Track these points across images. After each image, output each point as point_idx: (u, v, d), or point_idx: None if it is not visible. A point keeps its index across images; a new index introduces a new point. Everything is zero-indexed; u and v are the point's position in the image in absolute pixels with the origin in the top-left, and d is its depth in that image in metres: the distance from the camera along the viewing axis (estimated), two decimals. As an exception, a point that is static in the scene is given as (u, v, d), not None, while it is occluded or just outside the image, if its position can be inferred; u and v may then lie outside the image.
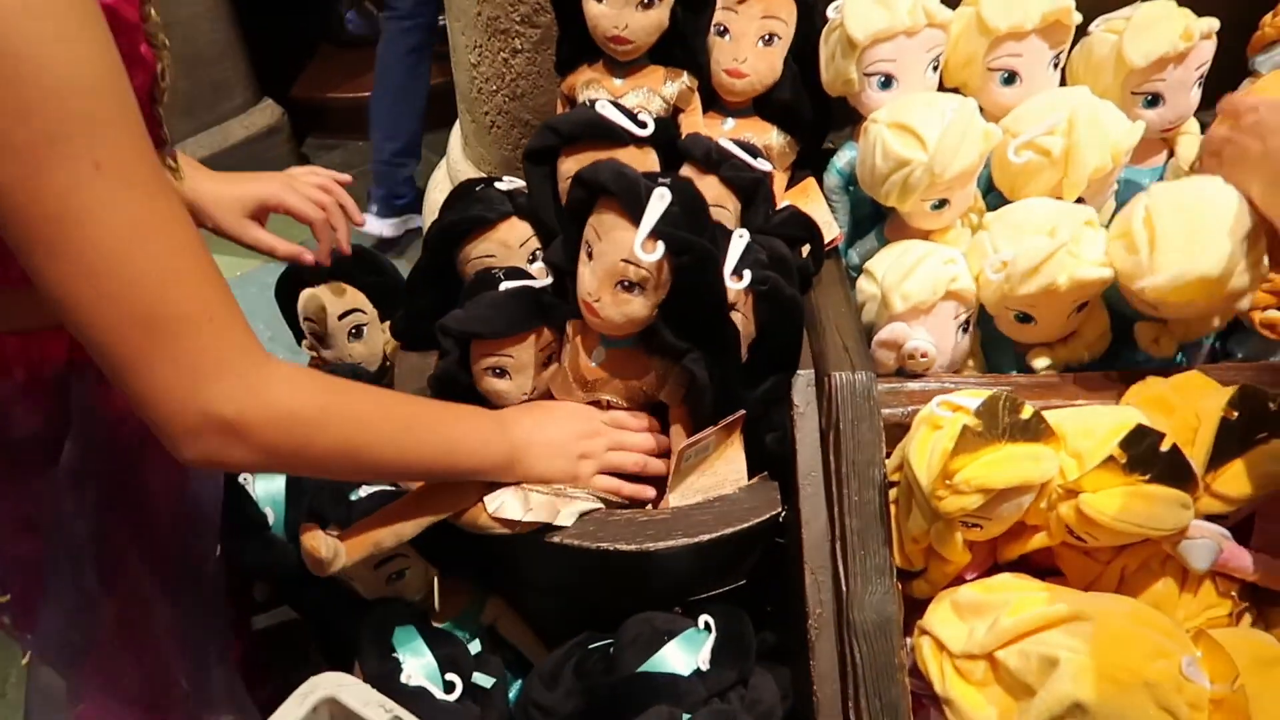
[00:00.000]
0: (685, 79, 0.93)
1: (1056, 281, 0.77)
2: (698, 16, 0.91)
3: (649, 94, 0.92)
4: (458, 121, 1.22)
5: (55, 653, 0.80)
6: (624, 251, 0.68)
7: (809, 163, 0.99)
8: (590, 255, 0.72)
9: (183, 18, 2.04)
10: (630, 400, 0.80)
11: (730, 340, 0.74)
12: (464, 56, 1.06)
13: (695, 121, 0.94)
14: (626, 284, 0.70)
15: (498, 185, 0.90)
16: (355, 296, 1.03)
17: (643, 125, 0.84)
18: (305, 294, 1.03)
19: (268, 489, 0.90)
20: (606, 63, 0.93)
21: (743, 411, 0.78)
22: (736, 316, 0.76)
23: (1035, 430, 0.72)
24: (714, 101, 0.96)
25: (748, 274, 0.73)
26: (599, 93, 0.93)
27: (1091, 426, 0.74)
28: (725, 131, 0.96)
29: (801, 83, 0.95)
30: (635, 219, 0.67)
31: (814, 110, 0.97)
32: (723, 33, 0.93)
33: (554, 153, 0.86)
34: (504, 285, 0.83)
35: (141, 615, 0.82)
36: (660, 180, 0.69)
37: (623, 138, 0.83)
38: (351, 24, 2.68)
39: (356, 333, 1.04)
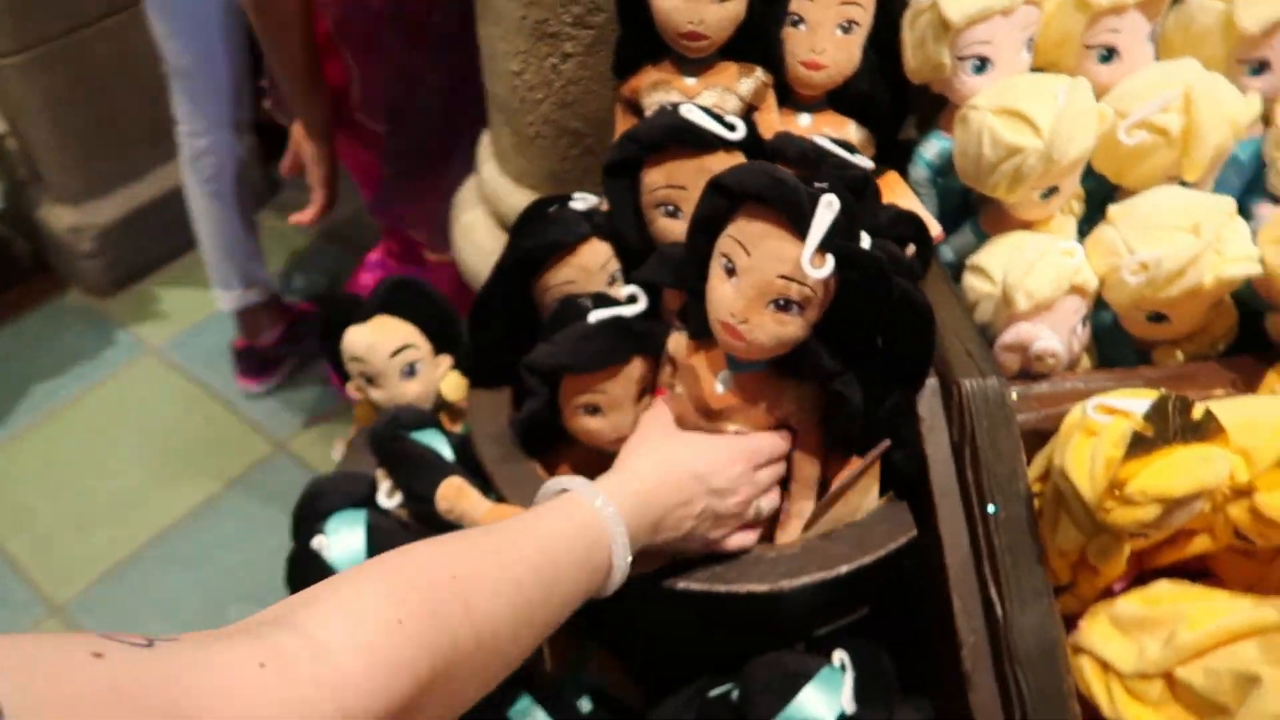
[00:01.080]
0: (760, 74, 0.86)
1: (1203, 282, 0.72)
2: (773, 6, 0.84)
3: (724, 93, 0.86)
4: (486, 135, 1.14)
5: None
6: (783, 266, 0.61)
7: (887, 156, 0.93)
8: (732, 271, 0.64)
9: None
10: (756, 429, 0.72)
11: (883, 360, 0.68)
12: (504, 65, 0.98)
13: (772, 119, 0.88)
14: (783, 303, 0.62)
15: (573, 204, 0.82)
16: (406, 331, 0.95)
17: (731, 128, 0.77)
18: (351, 331, 0.95)
19: (345, 552, 0.81)
20: (674, 61, 0.86)
21: (887, 441, 0.72)
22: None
23: (1207, 430, 0.66)
24: (786, 97, 0.90)
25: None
26: (670, 94, 0.86)
27: (1255, 420, 0.69)
28: (802, 128, 0.89)
29: (880, 71, 0.89)
30: (797, 230, 0.60)
31: (892, 100, 0.91)
32: (797, 22, 0.86)
33: (636, 164, 0.79)
34: (593, 315, 0.76)
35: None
36: (818, 185, 0.62)
37: (712, 142, 0.77)
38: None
39: (410, 370, 0.96)
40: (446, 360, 0.98)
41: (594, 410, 0.77)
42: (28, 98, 1.82)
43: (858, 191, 0.77)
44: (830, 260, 0.59)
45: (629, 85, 0.89)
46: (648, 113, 0.87)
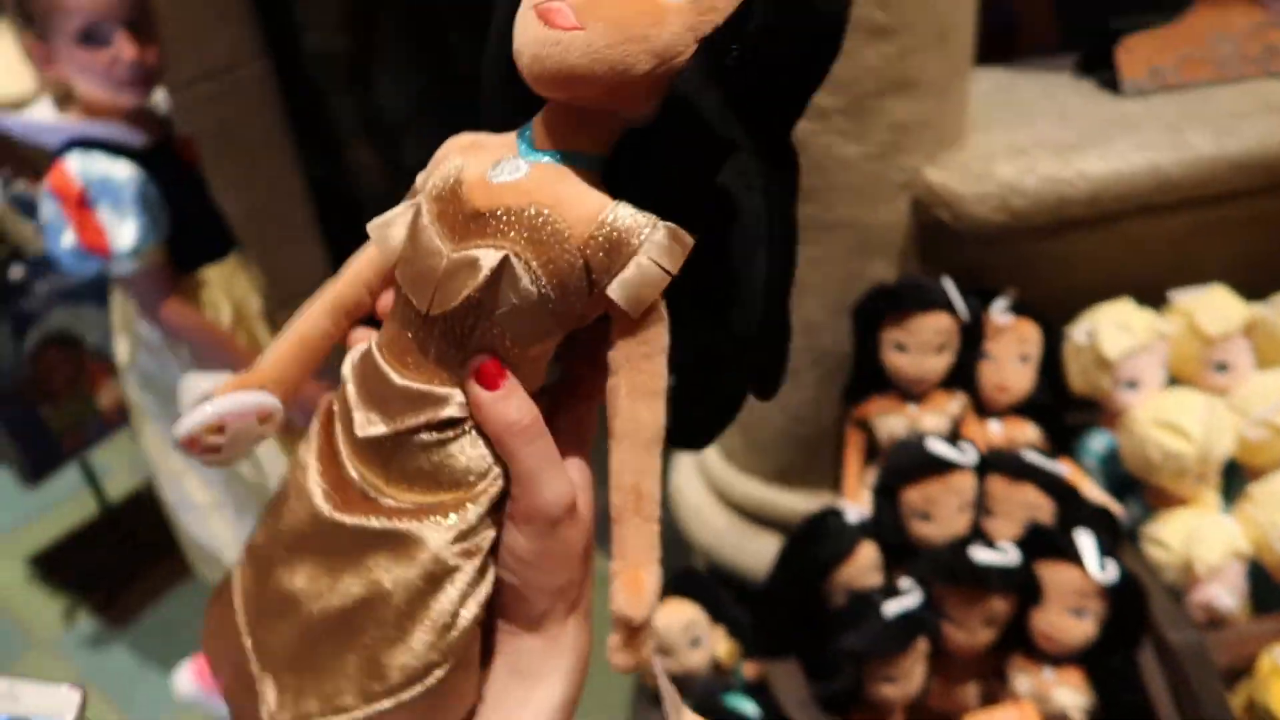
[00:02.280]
0: (963, 397, 1.14)
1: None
2: (971, 350, 1.13)
3: (939, 415, 1.13)
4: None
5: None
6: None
7: (1055, 443, 1.20)
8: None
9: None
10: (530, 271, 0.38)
11: None
12: (742, 390, 1.26)
13: (974, 429, 1.15)
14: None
15: (847, 517, 1.08)
16: (692, 610, 1.18)
17: (964, 453, 1.04)
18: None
19: None
20: (898, 392, 1.14)
21: None
22: None
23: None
24: (981, 409, 1.18)
25: None
26: (899, 420, 1.13)
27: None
28: (994, 433, 1.17)
29: (1049, 386, 1.17)
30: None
31: (1057, 405, 1.19)
32: (987, 357, 1.15)
33: (896, 489, 1.05)
34: (887, 607, 1.00)
35: None
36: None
37: (953, 466, 1.03)
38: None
39: (695, 641, 1.18)
40: (720, 629, 1.21)
41: (890, 680, 1.00)
42: (220, 386, 2.11)
43: (1064, 495, 1.03)
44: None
45: (861, 409, 1.17)
46: (878, 432, 1.15)
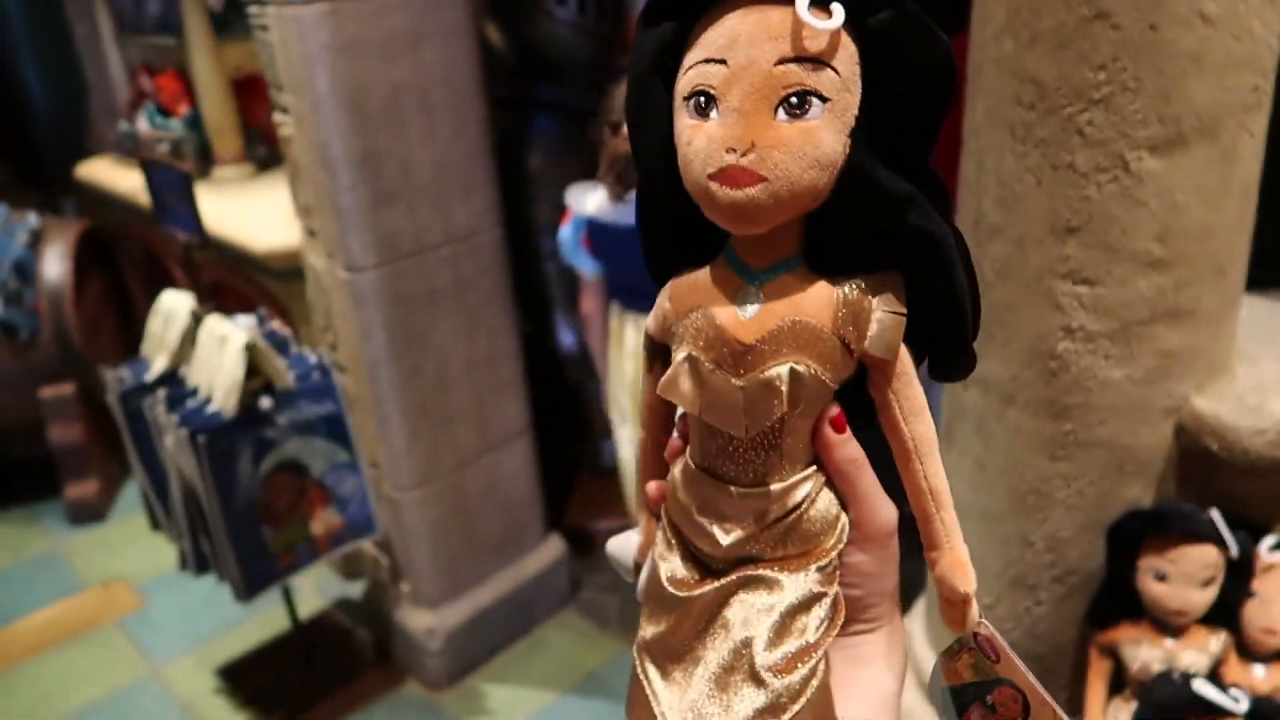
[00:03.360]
0: (1225, 636, 1.09)
1: None
2: (1237, 587, 1.08)
3: (1199, 652, 1.08)
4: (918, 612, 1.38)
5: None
6: (780, 44, 0.41)
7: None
8: (709, 104, 0.42)
9: (503, 473, 2.32)
10: (809, 368, 0.45)
11: None
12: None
13: (1237, 672, 1.09)
14: (796, 98, 0.41)
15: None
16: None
17: (1237, 700, 0.98)
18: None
19: None
20: (1153, 623, 1.10)
21: None
22: None
23: None
24: (1240, 647, 1.12)
25: None
26: (1154, 652, 1.09)
27: None
28: (1259, 679, 1.10)
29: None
30: None
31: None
32: (1254, 596, 1.10)
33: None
34: None
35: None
36: None
37: (1222, 712, 0.98)
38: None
39: None
40: None
41: None
42: (418, 524, 2.20)
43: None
44: (839, 11, 0.41)
45: (1107, 635, 1.12)
46: (1127, 662, 1.10)
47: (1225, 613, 1.08)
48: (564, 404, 2.61)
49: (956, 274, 0.43)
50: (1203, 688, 0.99)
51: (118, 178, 2.95)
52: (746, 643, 0.43)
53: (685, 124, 0.42)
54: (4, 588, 2.65)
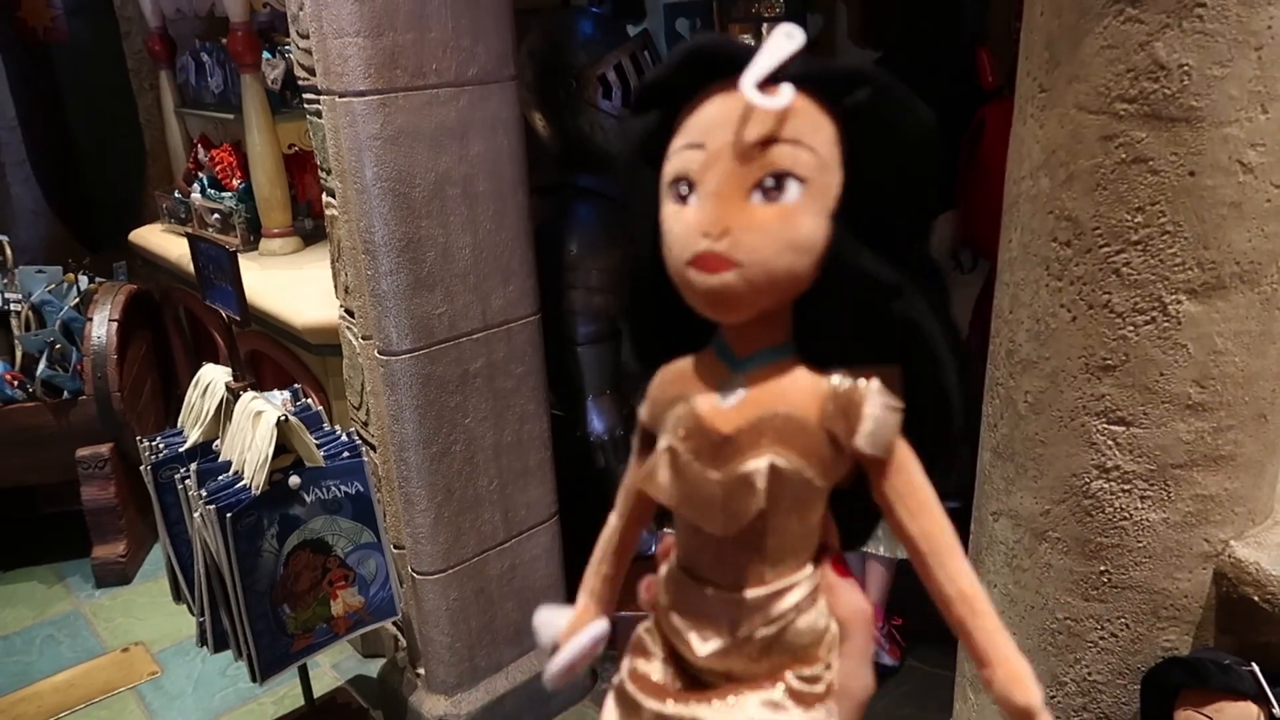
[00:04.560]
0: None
1: None
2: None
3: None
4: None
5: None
6: (754, 128, 0.41)
7: None
8: (689, 190, 0.43)
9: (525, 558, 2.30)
10: (790, 460, 0.44)
11: None
12: None
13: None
14: (773, 181, 0.41)
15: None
16: None
17: None
18: None
19: None
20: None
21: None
22: None
23: None
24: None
25: None
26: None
27: None
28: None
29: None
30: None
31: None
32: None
33: None
34: None
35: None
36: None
37: None
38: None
39: None
40: None
41: None
42: (438, 608, 2.18)
43: None
44: (787, 89, 0.39)
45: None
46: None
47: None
48: (592, 490, 2.59)
49: (944, 370, 0.40)
50: None
51: (169, 245, 3.03)
52: None
53: (668, 210, 0.41)
54: (26, 646, 2.66)
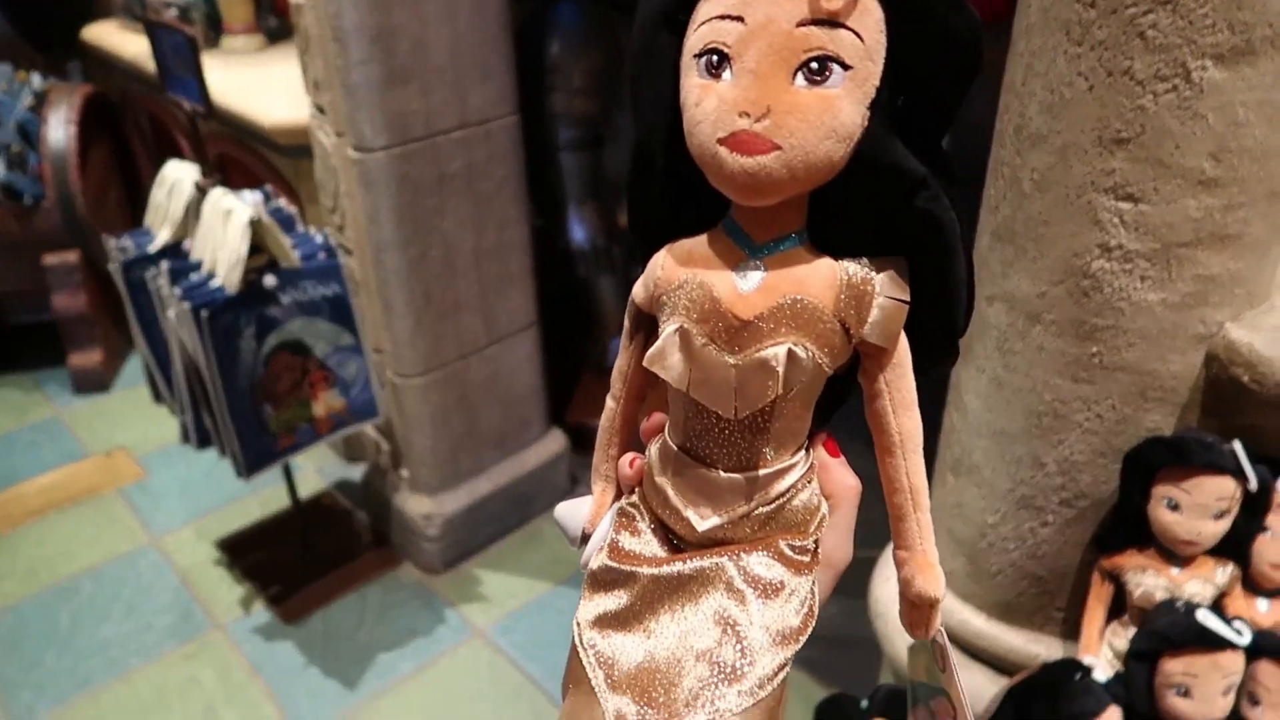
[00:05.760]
0: (1233, 569, 1.07)
1: None
2: (1251, 521, 1.06)
3: (1204, 583, 1.06)
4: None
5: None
6: (800, 6, 0.37)
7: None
8: (721, 63, 0.39)
9: (508, 366, 2.30)
10: (806, 348, 0.42)
11: None
12: (980, 516, 1.22)
13: (1240, 605, 1.08)
14: (817, 64, 0.37)
15: (1096, 675, 1.02)
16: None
17: (1239, 633, 0.97)
18: None
19: None
20: (1160, 551, 1.08)
21: None
22: None
23: None
24: (1247, 581, 1.10)
25: None
26: (1157, 580, 1.07)
27: None
28: (1262, 613, 1.09)
29: (1328, 572, 1.09)
30: None
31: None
32: (1267, 530, 1.08)
33: (1156, 657, 0.99)
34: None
35: None
36: None
37: (1224, 644, 0.97)
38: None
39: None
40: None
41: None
42: (419, 411, 2.19)
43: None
44: None
45: (1113, 560, 1.11)
46: (1130, 588, 1.09)
47: (1235, 546, 1.07)
48: (572, 300, 2.57)
49: (957, 263, 0.40)
50: (1206, 618, 0.98)
51: (125, 42, 2.86)
52: (720, 621, 0.40)
53: (694, 83, 0.38)
54: (7, 451, 2.67)
